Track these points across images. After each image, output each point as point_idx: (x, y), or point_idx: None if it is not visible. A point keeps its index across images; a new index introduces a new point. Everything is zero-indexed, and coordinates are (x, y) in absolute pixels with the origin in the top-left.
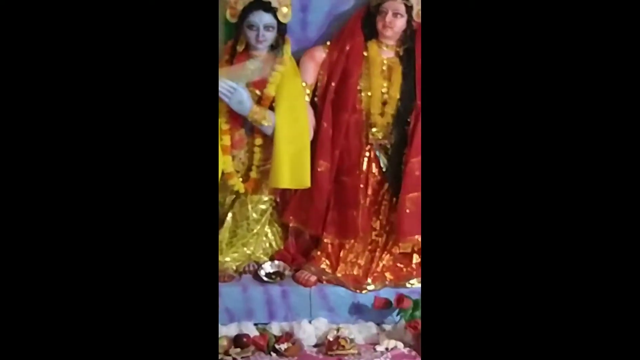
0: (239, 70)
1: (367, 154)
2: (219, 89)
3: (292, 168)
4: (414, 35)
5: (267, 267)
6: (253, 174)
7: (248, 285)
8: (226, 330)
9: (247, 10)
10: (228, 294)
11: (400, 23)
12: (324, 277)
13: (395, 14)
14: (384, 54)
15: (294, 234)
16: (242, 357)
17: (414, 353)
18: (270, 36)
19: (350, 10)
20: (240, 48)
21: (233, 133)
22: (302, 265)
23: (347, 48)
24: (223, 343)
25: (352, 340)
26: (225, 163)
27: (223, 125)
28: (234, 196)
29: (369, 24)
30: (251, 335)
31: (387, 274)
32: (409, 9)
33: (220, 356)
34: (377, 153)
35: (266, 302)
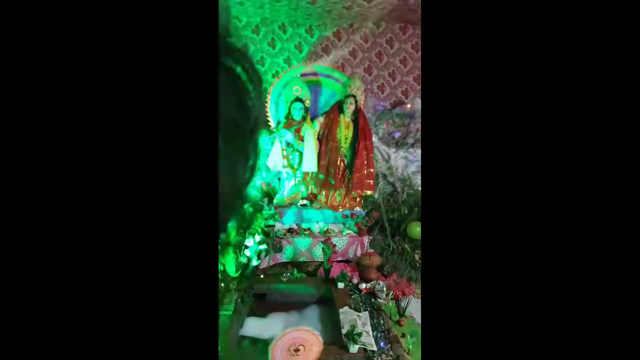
0: (290, 127)
1: (339, 158)
2: (281, 133)
3: (311, 162)
4: (357, 111)
5: (301, 202)
6: (295, 165)
7: (294, 209)
8: (281, 226)
9: (293, 101)
10: (286, 211)
11: (353, 107)
12: (322, 205)
13: (350, 103)
14: (346, 119)
15: (311, 189)
16: (289, 236)
17: (361, 236)
18: (301, 112)
19: (333, 102)
20: (290, 116)
21: (287, 149)
22: (313, 201)
23: (332, 117)
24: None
25: (333, 231)
26: (284, 162)
27: (282, 147)
28: (287, 174)
29: (340, 107)
30: (295, 228)
31: (347, 205)
32: (356, 100)
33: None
34: (344, 158)
35: (300, 215)
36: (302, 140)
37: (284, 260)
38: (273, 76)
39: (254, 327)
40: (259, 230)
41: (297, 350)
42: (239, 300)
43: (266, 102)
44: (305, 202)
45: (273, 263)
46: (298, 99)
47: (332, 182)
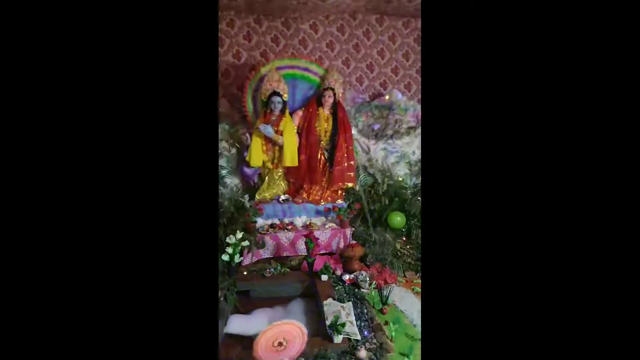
0: (268, 121)
1: (320, 152)
2: (261, 128)
3: (291, 157)
4: (336, 104)
5: (283, 197)
6: (275, 160)
7: (276, 204)
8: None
9: (270, 95)
10: (267, 207)
11: (331, 100)
12: (304, 200)
13: (329, 96)
14: (325, 112)
15: (292, 184)
16: (272, 231)
17: (343, 229)
18: (280, 106)
19: (311, 95)
20: (268, 110)
21: (267, 144)
22: (295, 196)
23: (310, 110)
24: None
25: (316, 224)
26: (264, 157)
27: (262, 142)
28: (267, 170)
29: (319, 100)
30: (277, 223)
31: (329, 199)
32: (334, 93)
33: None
34: (324, 151)
35: (282, 210)
36: (282, 134)
37: (267, 257)
38: (250, 70)
39: (238, 324)
40: (240, 227)
41: (280, 344)
42: (222, 298)
43: (243, 97)
44: (286, 196)
45: (256, 259)
46: (276, 93)
47: (313, 176)
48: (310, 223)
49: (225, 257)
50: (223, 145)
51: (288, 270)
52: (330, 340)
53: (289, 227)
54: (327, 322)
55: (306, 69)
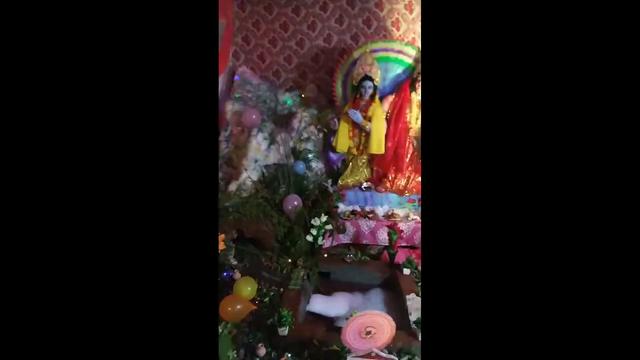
0: (357, 106)
1: (408, 140)
2: (349, 114)
3: (377, 144)
4: None
5: (365, 184)
6: (361, 147)
7: (357, 191)
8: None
9: (362, 80)
10: (349, 193)
11: None
12: (387, 189)
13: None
14: (418, 98)
15: (376, 172)
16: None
17: None
18: (370, 91)
19: (404, 79)
20: (358, 95)
21: (354, 130)
22: (378, 184)
23: (402, 96)
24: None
25: (398, 215)
26: (350, 143)
27: (349, 127)
28: (352, 156)
29: (412, 85)
30: (358, 210)
31: (413, 190)
32: None
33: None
34: (413, 140)
35: (363, 197)
36: (370, 120)
37: (346, 242)
38: (340, 54)
39: (320, 304)
40: (324, 211)
41: (368, 332)
42: (305, 277)
43: (334, 81)
44: (369, 184)
45: (336, 243)
46: (367, 77)
47: (399, 165)
48: (392, 213)
49: (309, 238)
50: (311, 129)
51: (367, 258)
52: (415, 336)
53: (370, 215)
54: (412, 318)
55: (400, 52)
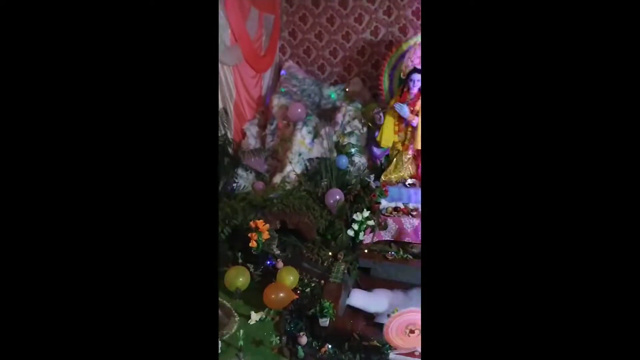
0: (404, 100)
1: None
2: (396, 107)
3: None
4: None
5: (409, 181)
6: (406, 142)
7: (401, 188)
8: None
9: (410, 73)
10: (392, 189)
11: None
12: None
13: None
14: None
15: (421, 168)
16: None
17: None
18: (419, 85)
19: None
20: (405, 89)
21: (400, 125)
22: None
23: None
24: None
25: None
26: (395, 138)
27: (395, 121)
28: (397, 151)
29: None
30: (401, 207)
31: None
32: None
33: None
34: None
35: (407, 194)
36: (417, 115)
37: (387, 239)
38: (387, 47)
39: (360, 299)
40: (365, 206)
41: (412, 331)
42: (346, 271)
43: (380, 75)
44: (413, 181)
45: (377, 239)
46: (416, 70)
47: None
48: None
49: (350, 233)
50: (355, 123)
51: (410, 257)
52: None
53: (414, 213)
54: None
55: None
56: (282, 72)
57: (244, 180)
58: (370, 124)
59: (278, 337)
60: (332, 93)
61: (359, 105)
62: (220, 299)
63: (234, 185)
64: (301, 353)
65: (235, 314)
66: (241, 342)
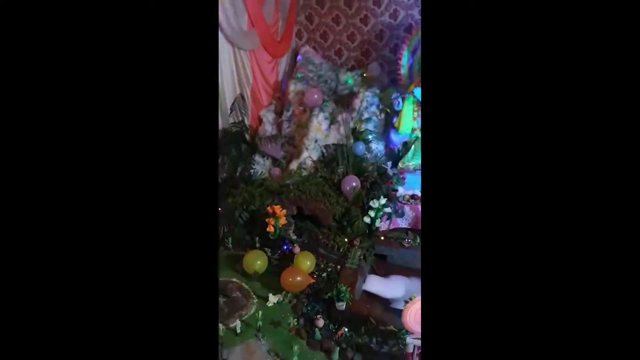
0: None
1: None
2: (415, 93)
3: None
4: None
5: None
6: None
7: (419, 175)
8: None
9: None
10: (409, 177)
11: None
12: None
13: None
14: None
15: None
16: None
17: None
18: None
19: None
20: None
21: (419, 111)
22: None
23: None
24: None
25: None
26: (414, 125)
27: (414, 108)
28: (415, 138)
29: None
30: (418, 195)
31: None
32: None
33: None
34: None
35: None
36: None
37: (404, 227)
38: (407, 30)
39: (376, 284)
40: (382, 194)
41: None
42: (362, 258)
43: (399, 59)
44: None
45: (393, 227)
46: None
47: None
48: None
49: (367, 220)
50: (372, 109)
51: None
52: None
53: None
54: None
55: None
56: (299, 57)
57: (260, 166)
58: (388, 110)
59: (295, 319)
60: (349, 78)
61: (377, 91)
62: (238, 281)
63: (251, 171)
64: (318, 335)
65: (254, 296)
66: (260, 323)
